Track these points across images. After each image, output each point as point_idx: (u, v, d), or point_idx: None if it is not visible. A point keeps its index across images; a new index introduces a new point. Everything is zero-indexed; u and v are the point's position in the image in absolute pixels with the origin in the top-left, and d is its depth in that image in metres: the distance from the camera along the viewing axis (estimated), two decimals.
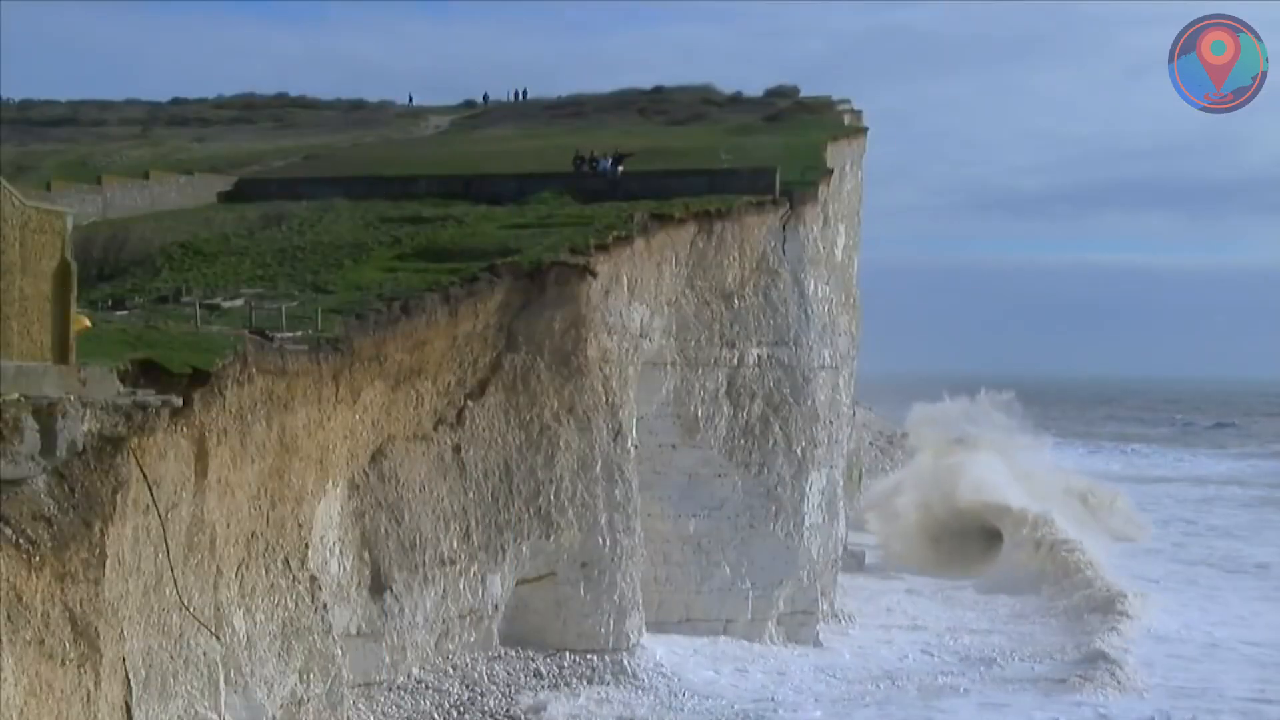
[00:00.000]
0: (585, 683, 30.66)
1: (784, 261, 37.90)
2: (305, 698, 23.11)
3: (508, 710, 28.42)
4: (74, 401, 14.63)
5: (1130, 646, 36.72)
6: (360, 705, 26.10)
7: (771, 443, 36.67)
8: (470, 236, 35.23)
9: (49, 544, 14.07)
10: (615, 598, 32.21)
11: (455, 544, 29.44)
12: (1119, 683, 33.68)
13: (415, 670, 28.34)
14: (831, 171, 43.12)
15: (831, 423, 40.16)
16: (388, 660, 27.58)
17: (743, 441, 36.48)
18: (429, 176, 43.08)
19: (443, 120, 66.97)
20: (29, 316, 14.28)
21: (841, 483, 41.31)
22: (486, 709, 28.26)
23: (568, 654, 31.45)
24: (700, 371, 36.14)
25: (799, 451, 37.05)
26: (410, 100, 74.73)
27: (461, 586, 29.68)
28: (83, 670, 14.51)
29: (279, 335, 24.32)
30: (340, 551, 26.38)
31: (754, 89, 64.79)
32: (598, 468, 32.16)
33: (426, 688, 28.15)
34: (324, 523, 25.47)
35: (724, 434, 36.29)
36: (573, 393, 31.83)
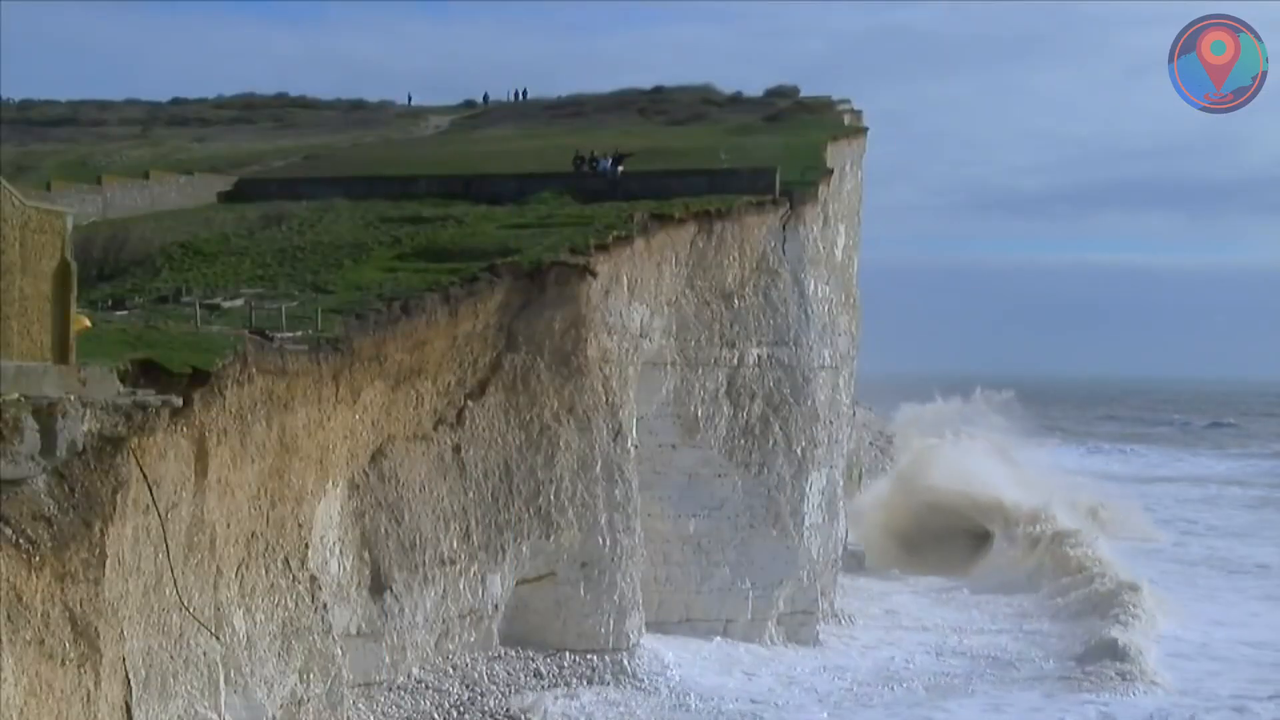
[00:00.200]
0: (585, 683, 30.67)
1: (784, 261, 37.90)
2: (305, 698, 23.11)
3: (508, 710, 28.43)
4: (74, 401, 14.63)
5: (1136, 645, 36.70)
6: (360, 705, 26.11)
7: (771, 443, 36.67)
8: (470, 236, 35.23)
9: (49, 544, 14.07)
10: (615, 598, 32.21)
11: (455, 544, 29.44)
12: (1125, 682, 33.71)
13: (415, 670, 28.34)
14: (831, 171, 43.12)
15: (831, 423, 40.16)
16: (388, 660, 27.58)
17: (743, 441, 36.49)
18: (429, 176, 43.08)
19: (443, 120, 66.98)
20: (29, 316, 14.28)
21: (841, 483, 41.31)
22: (486, 709, 28.27)
23: (568, 654, 31.45)
24: (700, 371, 36.15)
25: (799, 451, 37.05)
26: (409, 100, 74.82)
27: (461, 586, 29.68)
28: (83, 670, 14.51)
29: (279, 335, 24.32)
30: (340, 551, 26.39)
31: (754, 89, 64.88)
32: (598, 468, 32.16)
33: (426, 688, 28.15)
34: (324, 523, 25.47)
35: (724, 434, 36.29)
36: (573, 393, 31.84)
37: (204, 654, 19.84)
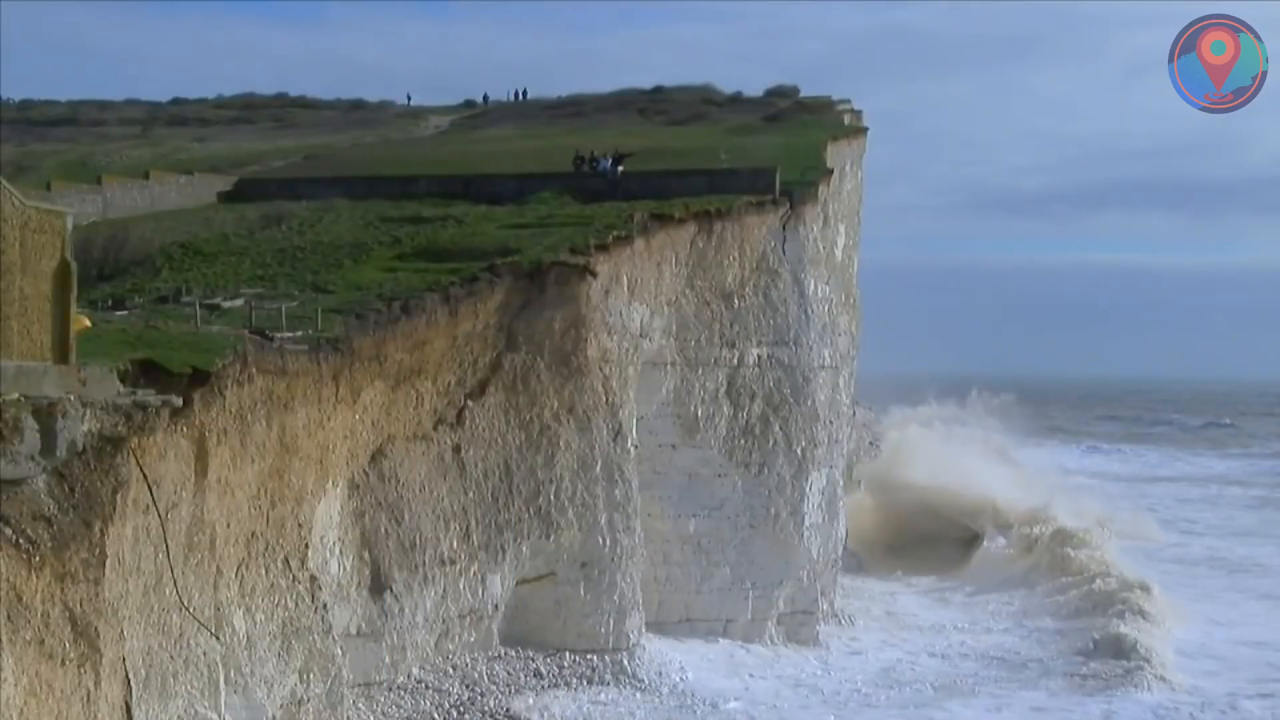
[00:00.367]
0: (585, 683, 30.68)
1: (784, 261, 37.90)
2: (305, 698, 23.11)
3: (508, 710, 28.43)
4: (74, 401, 14.62)
5: (1141, 643, 36.74)
6: (360, 705, 26.11)
7: (771, 443, 36.67)
8: (470, 236, 35.23)
9: (49, 544, 14.07)
10: (615, 598, 32.21)
11: (455, 544, 29.44)
12: (1129, 680, 33.75)
13: (415, 670, 28.34)
14: (831, 171, 43.11)
15: (831, 423, 40.15)
16: (388, 660, 27.58)
17: (743, 441, 36.48)
18: (429, 176, 43.08)
19: (443, 120, 66.96)
20: (29, 316, 14.27)
21: (841, 482, 41.29)
22: (486, 709, 28.26)
23: (568, 654, 31.45)
24: (700, 371, 36.14)
25: (799, 451, 37.05)
26: (409, 100, 74.82)
27: (461, 586, 29.68)
28: (83, 670, 14.51)
29: (279, 335, 24.32)
30: (340, 551, 26.39)
31: (754, 89, 64.87)
32: (598, 468, 32.16)
33: (426, 688, 28.15)
34: (324, 523, 25.47)
35: (724, 434, 36.29)
36: (573, 393, 31.84)
37: (204, 654, 19.84)
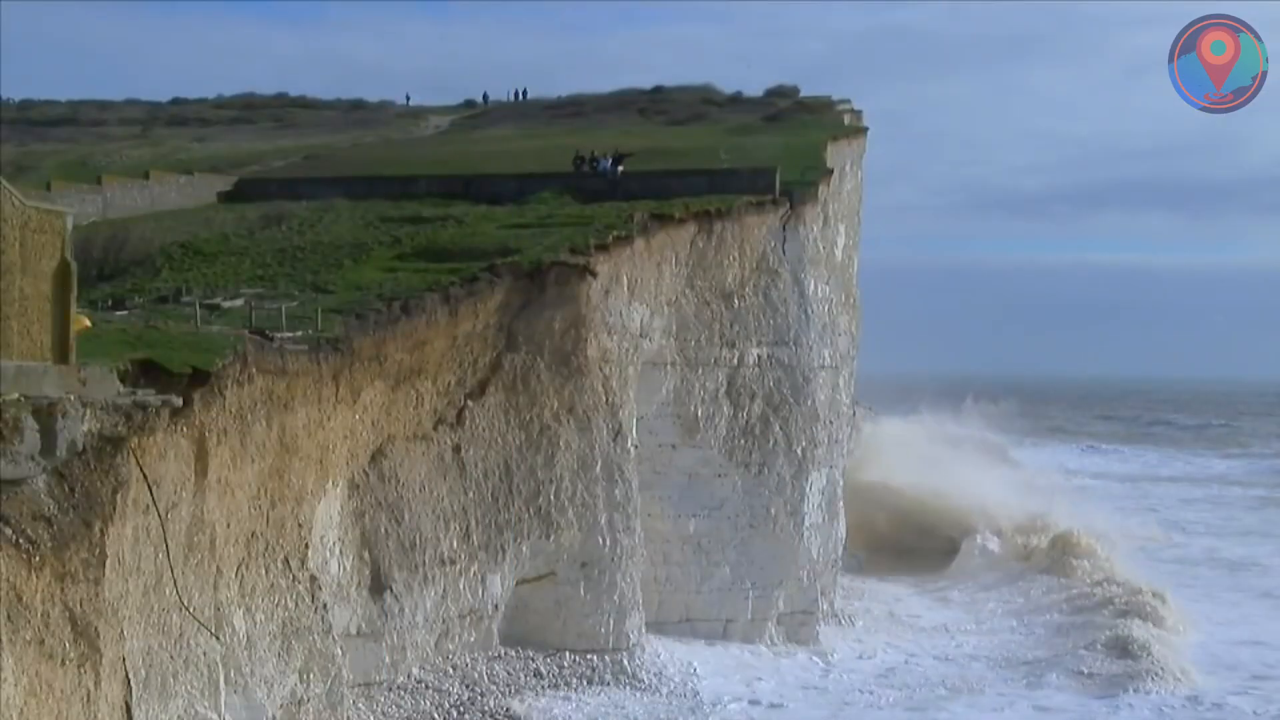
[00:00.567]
0: (585, 683, 30.67)
1: (784, 261, 37.90)
2: (305, 698, 23.11)
3: (508, 710, 28.42)
4: (74, 401, 14.62)
5: (1143, 644, 36.77)
6: (360, 705, 26.10)
7: (771, 443, 36.67)
8: (470, 236, 35.23)
9: (49, 544, 14.06)
10: (615, 598, 32.21)
11: (455, 544, 29.44)
12: (1134, 680, 33.77)
13: (415, 670, 28.34)
14: (831, 171, 43.11)
15: (831, 422, 40.16)
16: (388, 660, 27.57)
17: (743, 441, 36.48)
18: (429, 176, 43.07)
19: (443, 120, 66.97)
20: (29, 316, 14.27)
21: (841, 482, 41.29)
22: (486, 709, 28.26)
23: (568, 654, 31.44)
24: (700, 371, 36.14)
25: (799, 451, 37.05)
26: (408, 100, 74.85)
27: (461, 586, 29.68)
28: (83, 670, 14.51)
29: (279, 335, 24.32)
30: (340, 551, 26.38)
31: (754, 89, 64.85)
32: (598, 468, 32.16)
33: (426, 688, 28.14)
34: (324, 523, 25.46)
35: (724, 434, 36.29)
36: (573, 393, 31.83)
37: (204, 654, 19.84)
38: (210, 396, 20.31)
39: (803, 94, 61.99)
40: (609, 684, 30.82)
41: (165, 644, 18.86)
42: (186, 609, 19.28)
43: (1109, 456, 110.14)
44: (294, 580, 23.19)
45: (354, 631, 26.59)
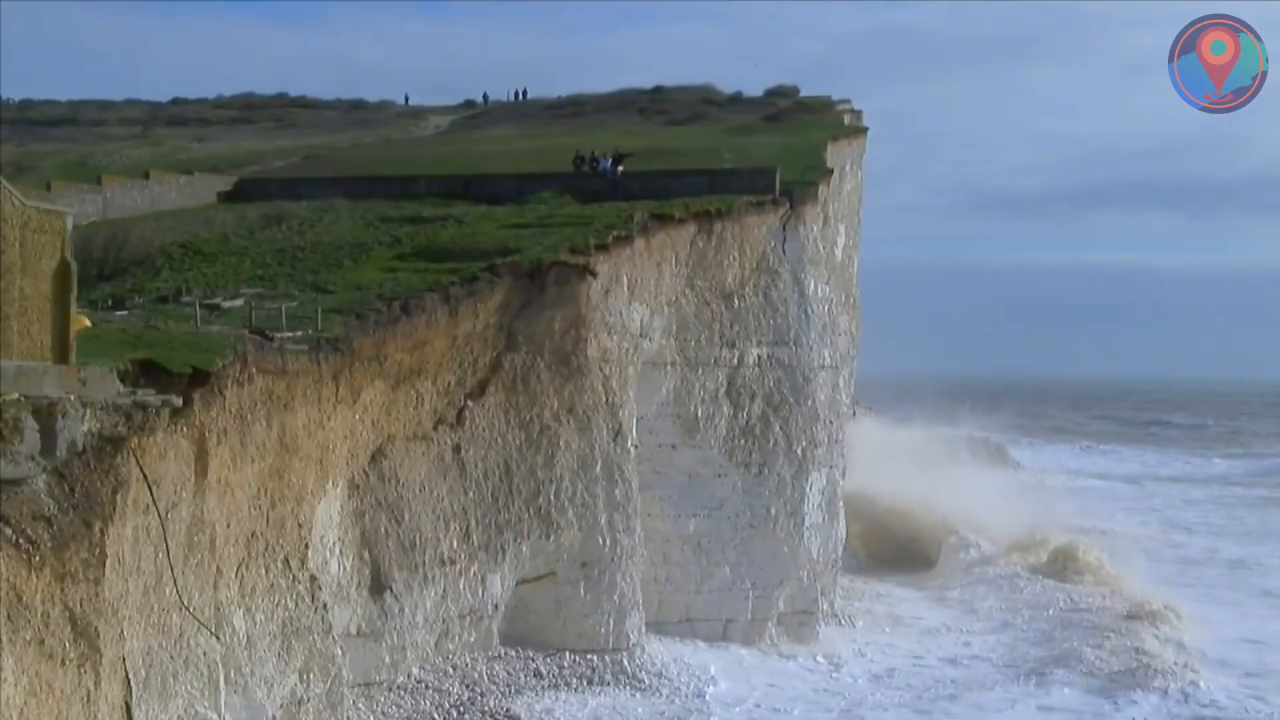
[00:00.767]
0: (585, 683, 30.66)
1: (784, 261, 37.90)
2: (305, 698, 23.10)
3: (508, 710, 28.42)
4: (74, 401, 14.61)
5: (1148, 644, 36.78)
6: (360, 705, 26.10)
7: (771, 443, 36.66)
8: (470, 236, 35.22)
9: (49, 544, 14.06)
10: (615, 598, 32.20)
11: (455, 544, 29.43)
12: (1138, 680, 33.78)
13: (415, 670, 28.34)
14: (831, 171, 43.14)
15: (832, 422, 40.15)
16: (388, 660, 27.57)
17: (743, 441, 36.47)
18: (429, 176, 43.08)
19: (443, 120, 66.99)
20: (29, 316, 14.26)
21: (841, 482, 41.29)
22: (486, 709, 28.25)
23: (568, 654, 31.44)
24: (700, 371, 36.13)
25: (799, 451, 37.04)
26: (406, 100, 74.90)
27: (461, 586, 29.68)
28: (83, 670, 14.50)
29: (279, 335, 24.31)
30: (340, 551, 26.38)
31: (754, 89, 64.92)
32: (598, 468, 32.16)
33: (426, 688, 28.14)
34: (324, 523, 25.46)
35: (724, 434, 36.28)
36: (573, 393, 31.83)
37: (204, 654, 19.83)
38: (210, 396, 20.31)
39: (803, 94, 62.07)
40: (609, 684, 30.81)
41: (165, 644, 18.86)
42: (186, 609, 19.28)
43: (1108, 456, 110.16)
44: (294, 580, 23.19)
45: (354, 631, 26.59)
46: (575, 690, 30.22)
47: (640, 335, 34.35)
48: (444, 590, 29.09)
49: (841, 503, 40.69)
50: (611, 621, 32.15)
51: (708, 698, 31.27)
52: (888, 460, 55.45)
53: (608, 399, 32.59)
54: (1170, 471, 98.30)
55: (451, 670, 29.15)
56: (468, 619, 30.04)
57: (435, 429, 29.38)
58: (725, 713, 30.66)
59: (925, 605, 44.46)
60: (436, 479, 29.11)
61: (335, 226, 37.52)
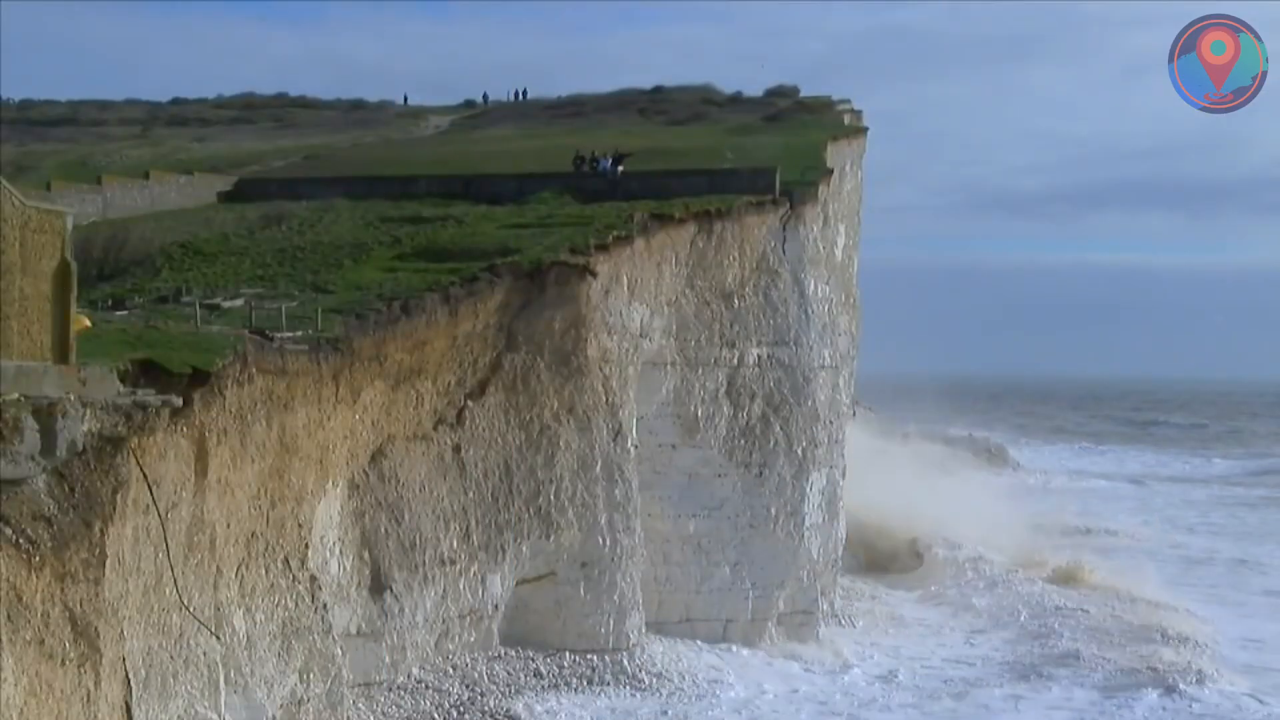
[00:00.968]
0: (585, 683, 30.66)
1: (784, 261, 37.89)
2: (305, 698, 23.10)
3: (508, 710, 28.41)
4: (74, 401, 14.61)
5: (1153, 641, 36.83)
6: (360, 705, 26.10)
7: (772, 443, 36.64)
8: (470, 236, 35.21)
9: (49, 544, 14.06)
10: (615, 598, 32.20)
11: (455, 544, 29.43)
12: (1144, 680, 33.85)
13: (415, 670, 28.33)
14: (831, 171, 43.12)
15: (832, 423, 40.12)
16: (388, 660, 27.57)
17: (743, 441, 36.46)
18: (429, 176, 43.06)
19: (443, 120, 66.98)
20: (29, 316, 14.26)
21: (842, 482, 41.26)
22: (486, 709, 28.25)
23: (568, 654, 31.43)
24: (700, 371, 36.12)
25: (799, 451, 37.03)
26: (405, 100, 74.88)
27: (461, 586, 29.67)
28: (83, 670, 14.50)
29: (279, 335, 24.31)
30: (340, 551, 26.38)
31: (754, 89, 64.90)
32: (598, 468, 32.15)
33: (426, 688, 28.14)
34: (324, 523, 25.46)
35: (724, 434, 36.26)
36: (573, 393, 31.83)
37: (204, 654, 19.83)
38: (210, 396, 20.31)
39: (803, 94, 62.06)
40: (609, 684, 30.80)
41: (165, 644, 18.86)
42: (186, 609, 19.28)
43: (1108, 457, 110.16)
44: (294, 580, 23.19)
45: (354, 631, 26.59)
46: (575, 690, 30.22)
47: (640, 335, 34.34)
48: (444, 590, 29.09)
49: (842, 503, 40.67)
50: (611, 621, 32.15)
51: (707, 698, 31.25)
52: (886, 474, 55.20)
53: (608, 399, 32.58)
54: (1170, 471, 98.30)
55: (451, 670, 29.15)
56: (468, 619, 30.03)
57: (435, 429, 29.37)
58: (725, 713, 30.63)
59: (925, 605, 44.44)
60: (436, 479, 29.11)
61: (335, 226, 37.52)
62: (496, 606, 30.76)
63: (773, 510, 36.38)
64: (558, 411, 31.68)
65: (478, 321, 30.38)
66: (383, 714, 26.80)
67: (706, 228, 36.44)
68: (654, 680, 31.46)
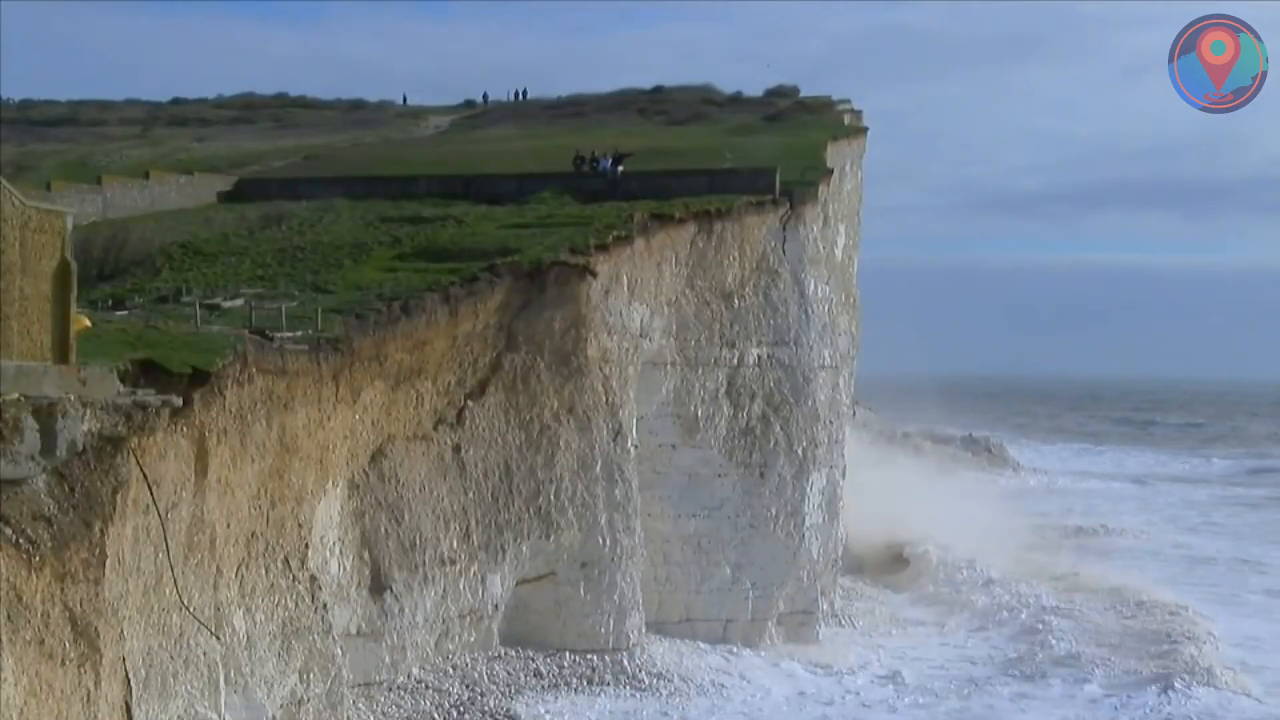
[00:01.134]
0: (585, 683, 30.65)
1: (784, 261, 37.89)
2: (305, 698, 23.10)
3: (508, 710, 28.41)
4: (74, 401, 14.61)
5: (1158, 641, 36.85)
6: (360, 705, 26.09)
7: (772, 443, 36.64)
8: (470, 236, 35.22)
9: (49, 544, 14.06)
10: (615, 598, 32.20)
11: (455, 544, 29.43)
12: (1149, 680, 33.86)
13: (415, 670, 28.33)
14: (831, 171, 43.13)
15: (832, 423, 40.13)
16: (388, 660, 27.57)
17: (743, 441, 36.46)
18: (429, 176, 43.07)
19: (443, 120, 66.98)
20: (29, 316, 14.26)
21: (842, 482, 41.28)
22: (486, 709, 28.24)
23: (568, 654, 31.44)
24: (700, 371, 36.12)
25: (799, 451, 37.03)
26: (404, 100, 74.86)
27: (461, 586, 29.67)
28: (83, 670, 14.50)
29: (279, 335, 24.31)
30: (340, 551, 26.38)
31: (754, 89, 64.88)
32: (598, 468, 32.15)
33: (426, 688, 28.14)
34: (324, 523, 25.46)
35: (724, 434, 36.26)
36: (573, 393, 31.83)
37: (204, 654, 19.83)
38: (210, 396, 20.31)
39: (803, 94, 62.05)
40: (609, 684, 30.79)
41: (165, 644, 18.85)
42: (186, 609, 19.27)
43: (1108, 457, 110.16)
44: (294, 580, 23.18)
45: (354, 631, 26.59)
46: (575, 690, 30.21)
47: (640, 335, 34.34)
48: (444, 590, 29.09)
49: (842, 503, 40.67)
50: (611, 621, 32.15)
51: (707, 698, 31.23)
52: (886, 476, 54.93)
53: (608, 399, 32.58)
54: (1170, 471, 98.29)
55: (451, 670, 29.15)
56: (468, 619, 30.03)
57: (435, 429, 29.37)
58: (725, 713, 30.61)
59: (926, 606, 44.42)
60: (436, 479, 29.11)
61: (335, 226, 37.52)
62: (496, 606, 30.76)
63: (773, 510, 36.38)
64: (558, 411, 31.68)
65: (478, 321, 30.38)
66: (383, 714, 26.80)
67: (706, 228, 36.44)
68: (654, 680, 31.45)
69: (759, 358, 37.04)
